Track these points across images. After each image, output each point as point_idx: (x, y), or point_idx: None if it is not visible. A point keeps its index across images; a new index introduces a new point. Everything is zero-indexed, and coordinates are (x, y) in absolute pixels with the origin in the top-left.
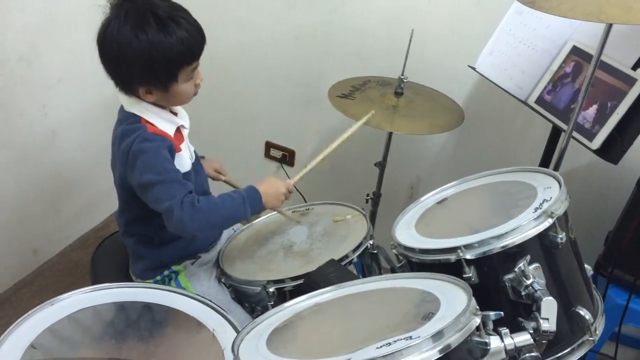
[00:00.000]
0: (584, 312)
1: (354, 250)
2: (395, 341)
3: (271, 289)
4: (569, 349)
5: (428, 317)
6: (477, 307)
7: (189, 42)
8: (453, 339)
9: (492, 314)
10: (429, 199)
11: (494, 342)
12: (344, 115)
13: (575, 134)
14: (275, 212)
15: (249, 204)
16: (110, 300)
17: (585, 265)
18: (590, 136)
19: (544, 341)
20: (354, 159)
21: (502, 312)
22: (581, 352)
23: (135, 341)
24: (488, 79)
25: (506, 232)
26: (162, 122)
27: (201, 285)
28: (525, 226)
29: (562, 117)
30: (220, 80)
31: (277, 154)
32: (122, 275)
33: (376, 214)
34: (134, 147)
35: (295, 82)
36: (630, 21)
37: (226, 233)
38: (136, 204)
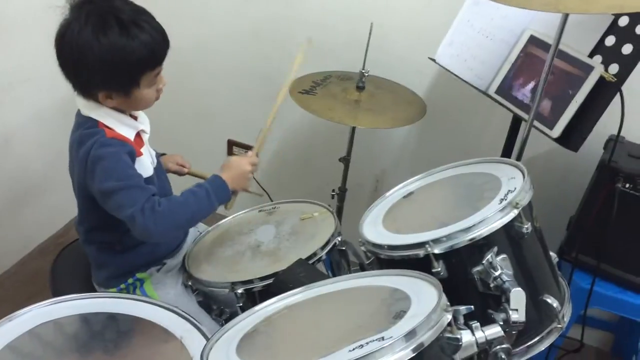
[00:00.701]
0: (551, 300)
1: (322, 248)
2: (367, 343)
3: (239, 291)
4: (538, 338)
5: (399, 315)
6: (448, 303)
7: (152, 46)
8: (425, 337)
9: (462, 309)
10: (394, 193)
11: (466, 336)
12: (306, 111)
13: (535, 122)
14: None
15: (214, 195)
16: (72, 312)
17: (551, 253)
18: (550, 125)
19: (514, 332)
20: (318, 155)
21: (472, 306)
22: (550, 340)
23: (100, 353)
24: (448, 71)
25: (473, 225)
26: (122, 126)
27: (167, 294)
28: (491, 218)
29: (522, 106)
30: (178, 77)
31: (240, 152)
32: (84, 284)
33: (342, 209)
34: (92, 152)
35: (256, 78)
36: (588, 10)
37: (191, 236)
38: (97, 210)
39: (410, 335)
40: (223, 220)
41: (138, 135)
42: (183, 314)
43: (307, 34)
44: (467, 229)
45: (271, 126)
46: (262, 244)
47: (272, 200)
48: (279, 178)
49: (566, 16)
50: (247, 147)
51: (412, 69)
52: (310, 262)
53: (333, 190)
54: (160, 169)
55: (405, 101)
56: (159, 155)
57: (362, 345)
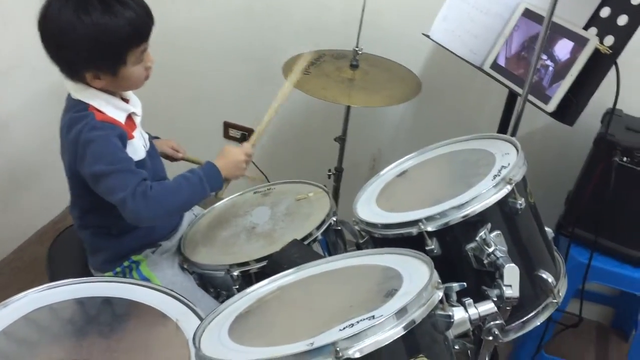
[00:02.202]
0: (546, 276)
1: (318, 228)
2: (358, 322)
3: (235, 273)
4: (533, 313)
5: (391, 294)
6: (439, 281)
7: (136, 22)
8: (417, 315)
9: (455, 286)
10: (389, 172)
11: (458, 313)
12: (300, 91)
13: (531, 97)
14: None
15: (207, 182)
16: (67, 297)
17: (547, 228)
18: (546, 99)
19: (508, 308)
20: (314, 135)
21: (465, 283)
22: (546, 315)
23: (95, 337)
24: (443, 46)
25: (466, 202)
26: (112, 109)
27: (164, 275)
28: (484, 194)
29: (517, 81)
30: (172, 58)
31: (237, 133)
32: (81, 270)
33: (339, 189)
34: (82, 136)
35: (249, 59)
36: None
37: (187, 219)
38: (88, 194)
39: (401, 313)
40: (218, 203)
41: (130, 118)
42: (179, 296)
43: (300, 13)
44: (461, 206)
45: (270, 121)
46: (257, 226)
47: (268, 182)
48: (275, 159)
49: None
50: (244, 129)
51: (406, 46)
52: (306, 242)
53: (329, 171)
54: (154, 152)
55: (399, 79)
56: (153, 139)
57: (352, 324)
